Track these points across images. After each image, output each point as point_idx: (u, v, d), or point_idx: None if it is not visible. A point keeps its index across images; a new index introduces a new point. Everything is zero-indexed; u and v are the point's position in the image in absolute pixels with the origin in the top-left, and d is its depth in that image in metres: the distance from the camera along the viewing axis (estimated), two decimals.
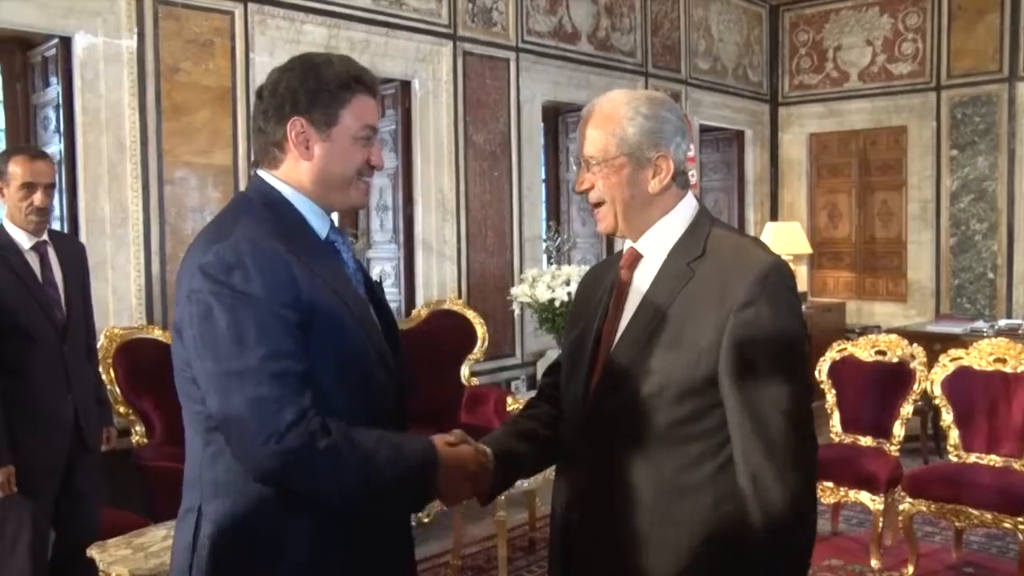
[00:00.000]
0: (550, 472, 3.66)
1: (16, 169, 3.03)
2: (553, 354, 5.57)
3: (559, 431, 1.78)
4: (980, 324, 6.26)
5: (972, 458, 4.12)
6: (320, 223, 1.63)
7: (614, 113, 1.63)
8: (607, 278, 1.76)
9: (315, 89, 1.55)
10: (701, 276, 1.58)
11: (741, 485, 1.52)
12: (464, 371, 5.18)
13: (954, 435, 4.17)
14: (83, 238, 3.92)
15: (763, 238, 6.00)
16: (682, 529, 1.55)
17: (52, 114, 4.08)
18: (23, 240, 3.08)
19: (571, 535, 1.70)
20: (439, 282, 5.50)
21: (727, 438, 1.55)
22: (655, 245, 1.66)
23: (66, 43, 3.98)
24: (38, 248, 3.12)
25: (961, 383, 4.21)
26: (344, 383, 1.52)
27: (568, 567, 1.71)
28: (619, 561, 1.61)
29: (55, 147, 4.05)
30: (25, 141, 4.20)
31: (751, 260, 1.56)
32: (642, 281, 1.66)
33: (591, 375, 1.67)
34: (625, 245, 1.74)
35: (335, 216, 1.88)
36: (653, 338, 1.57)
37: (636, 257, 1.69)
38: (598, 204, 1.67)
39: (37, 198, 3.03)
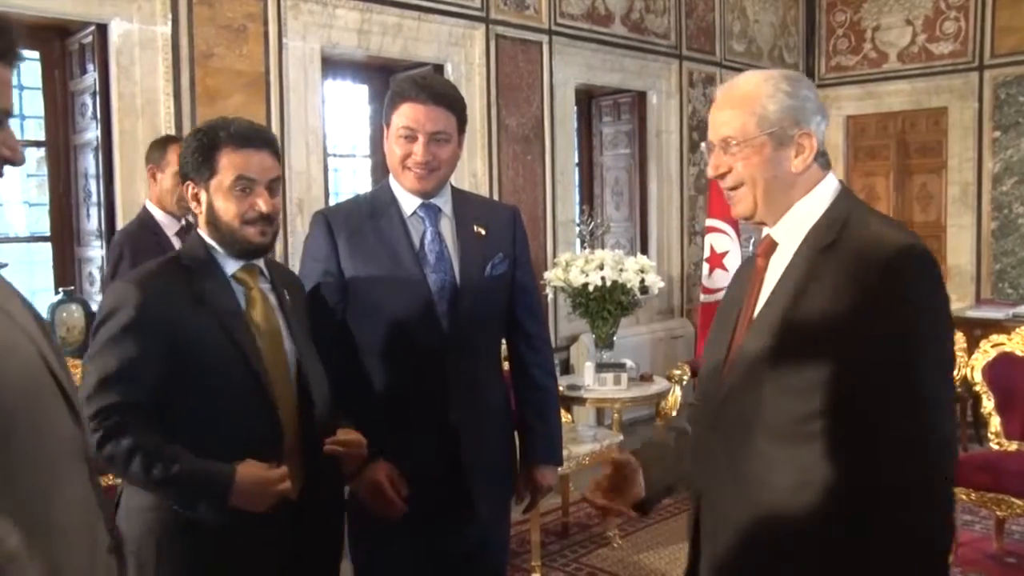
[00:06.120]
0: (583, 458, 3.69)
1: (173, 157, 3.25)
2: (587, 339, 5.56)
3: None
4: (1022, 309, 6.14)
5: (1014, 446, 4.04)
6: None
7: (753, 91, 1.56)
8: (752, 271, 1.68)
9: None
10: (833, 264, 1.48)
11: (871, 488, 1.43)
12: None
13: (995, 422, 4.10)
14: (119, 224, 3.97)
15: None
16: (806, 528, 1.48)
17: (89, 101, 4.12)
18: (167, 223, 3.35)
19: (700, 528, 1.67)
20: None
21: (855, 436, 1.44)
22: (790, 231, 1.58)
23: (102, 30, 4.01)
24: (180, 233, 3.33)
25: (1002, 369, 4.13)
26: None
27: (697, 558, 1.68)
28: (746, 557, 1.56)
29: (92, 134, 4.09)
30: (63, 128, 4.25)
31: (886, 245, 1.45)
32: (775, 270, 1.58)
33: (723, 368, 1.61)
34: (761, 232, 1.67)
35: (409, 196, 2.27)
36: (781, 331, 1.50)
37: (772, 244, 1.62)
38: (735, 188, 1.60)
39: None
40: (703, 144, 1.66)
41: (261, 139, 1.95)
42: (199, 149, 1.91)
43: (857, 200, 1.61)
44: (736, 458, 1.56)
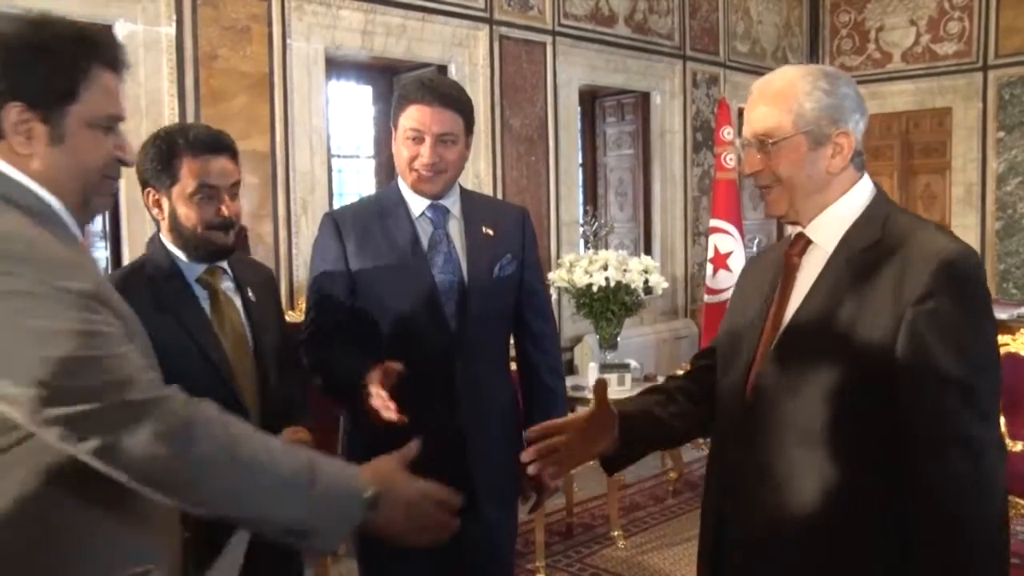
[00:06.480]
0: None
1: None
2: (591, 339, 5.55)
3: (696, 408, 1.73)
4: None
5: (1019, 447, 4.03)
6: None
7: (789, 88, 1.52)
8: (772, 266, 1.65)
9: None
10: (875, 266, 1.45)
11: (913, 493, 1.40)
12: None
13: (999, 423, 4.08)
14: (124, 225, 3.98)
15: None
16: (838, 535, 1.45)
17: None
18: None
19: (722, 531, 1.62)
20: None
21: (893, 437, 1.41)
22: (827, 231, 1.54)
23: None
24: None
25: (1007, 370, 4.00)
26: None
27: (719, 563, 1.64)
28: (770, 563, 1.53)
29: None
30: None
31: (931, 247, 1.42)
32: (811, 270, 1.54)
33: (751, 367, 1.57)
34: (792, 231, 1.63)
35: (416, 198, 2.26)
36: (819, 332, 1.47)
37: (806, 243, 1.57)
38: (768, 187, 1.56)
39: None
40: (738, 140, 1.62)
41: (220, 145, 1.98)
42: (157, 156, 1.94)
43: (892, 202, 1.58)
44: (764, 461, 1.52)
